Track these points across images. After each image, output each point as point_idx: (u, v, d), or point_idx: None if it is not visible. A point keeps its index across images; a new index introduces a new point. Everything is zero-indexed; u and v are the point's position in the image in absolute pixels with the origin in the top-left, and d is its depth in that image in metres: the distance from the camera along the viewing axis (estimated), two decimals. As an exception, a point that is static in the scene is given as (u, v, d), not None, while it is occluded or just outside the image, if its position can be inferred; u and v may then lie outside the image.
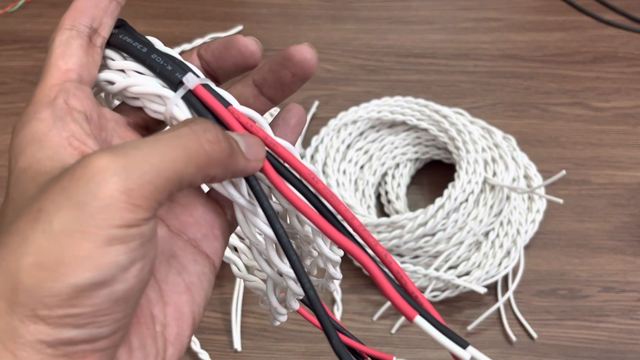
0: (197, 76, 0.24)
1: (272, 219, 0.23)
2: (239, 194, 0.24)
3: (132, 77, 0.25)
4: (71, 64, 0.23)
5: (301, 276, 0.23)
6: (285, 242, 0.23)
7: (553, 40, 0.77)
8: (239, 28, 0.78)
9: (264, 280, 0.30)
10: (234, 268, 0.30)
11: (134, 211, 0.18)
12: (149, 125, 0.26)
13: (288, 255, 0.23)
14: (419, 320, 0.22)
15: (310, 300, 0.23)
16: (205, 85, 0.24)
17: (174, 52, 0.25)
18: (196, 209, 0.25)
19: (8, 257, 0.18)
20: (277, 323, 0.29)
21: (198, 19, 0.80)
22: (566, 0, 0.81)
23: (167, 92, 0.24)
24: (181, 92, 0.24)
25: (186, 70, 0.24)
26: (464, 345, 0.22)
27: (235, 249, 0.31)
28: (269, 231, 0.24)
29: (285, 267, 0.25)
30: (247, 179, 0.23)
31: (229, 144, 0.21)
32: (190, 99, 0.24)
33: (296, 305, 0.27)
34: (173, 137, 0.20)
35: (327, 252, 0.25)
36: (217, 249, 0.25)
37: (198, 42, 0.75)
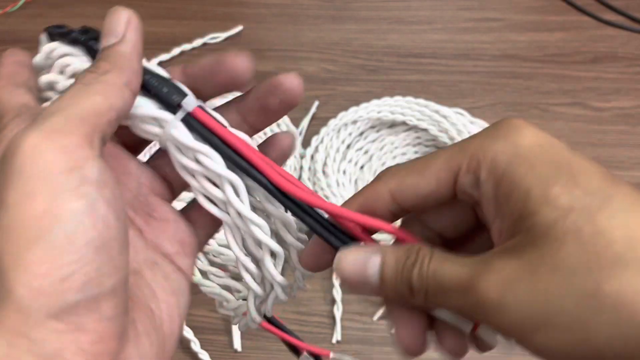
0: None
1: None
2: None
3: None
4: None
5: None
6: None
7: (553, 40, 0.77)
8: (239, 28, 0.78)
9: (221, 286, 0.30)
10: None
11: (66, 153, 0.19)
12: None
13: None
14: None
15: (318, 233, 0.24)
16: (200, 107, 0.24)
17: (163, 71, 0.25)
18: (169, 226, 0.26)
19: None
20: (254, 325, 0.29)
21: (198, 19, 0.80)
22: (566, 0, 0.81)
23: (166, 114, 0.24)
24: (180, 114, 0.24)
25: (181, 93, 0.24)
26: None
27: None
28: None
29: (275, 245, 0.25)
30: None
31: (119, 64, 0.23)
32: (189, 120, 0.24)
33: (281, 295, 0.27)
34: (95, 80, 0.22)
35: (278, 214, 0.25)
36: (189, 265, 0.27)
37: (198, 42, 0.75)
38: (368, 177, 0.60)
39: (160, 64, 0.73)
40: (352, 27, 0.80)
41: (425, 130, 0.61)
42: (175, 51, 0.74)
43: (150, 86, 0.24)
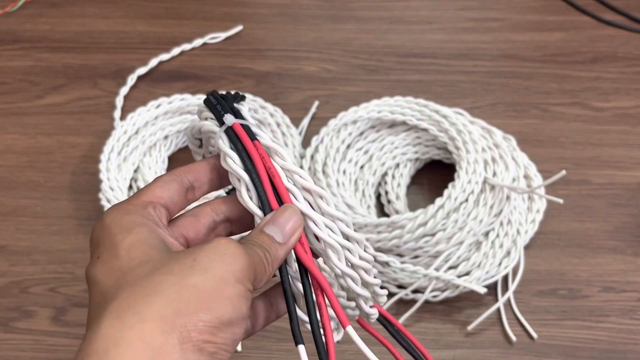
0: (241, 118, 0.31)
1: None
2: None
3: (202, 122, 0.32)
4: (163, 195, 0.30)
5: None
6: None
7: (553, 40, 0.77)
8: (239, 28, 0.78)
9: None
10: None
11: (251, 279, 0.26)
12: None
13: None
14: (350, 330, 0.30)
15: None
16: (244, 125, 0.30)
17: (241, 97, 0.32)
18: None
19: (169, 290, 0.24)
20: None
21: (198, 19, 0.80)
22: (566, 0, 0.81)
23: (215, 128, 0.31)
24: (223, 128, 0.30)
25: (231, 111, 0.31)
26: None
27: None
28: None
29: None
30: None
31: (270, 257, 0.28)
32: (230, 134, 0.30)
33: None
34: (259, 248, 0.27)
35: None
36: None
37: (198, 42, 0.75)
38: (368, 177, 0.60)
39: (161, 63, 0.74)
40: (352, 27, 0.80)
41: (425, 130, 0.61)
42: (175, 51, 0.74)
43: (210, 105, 0.31)
